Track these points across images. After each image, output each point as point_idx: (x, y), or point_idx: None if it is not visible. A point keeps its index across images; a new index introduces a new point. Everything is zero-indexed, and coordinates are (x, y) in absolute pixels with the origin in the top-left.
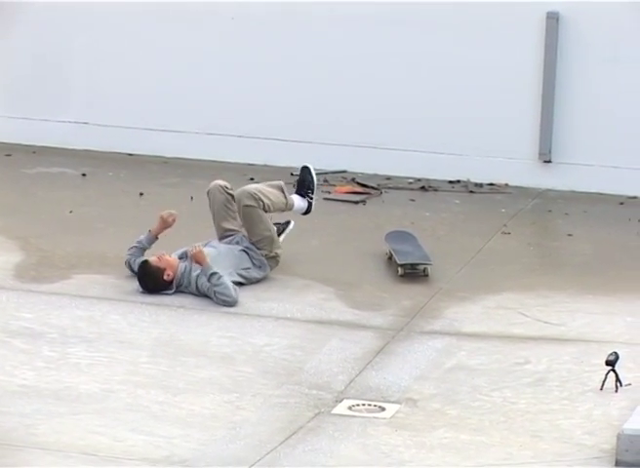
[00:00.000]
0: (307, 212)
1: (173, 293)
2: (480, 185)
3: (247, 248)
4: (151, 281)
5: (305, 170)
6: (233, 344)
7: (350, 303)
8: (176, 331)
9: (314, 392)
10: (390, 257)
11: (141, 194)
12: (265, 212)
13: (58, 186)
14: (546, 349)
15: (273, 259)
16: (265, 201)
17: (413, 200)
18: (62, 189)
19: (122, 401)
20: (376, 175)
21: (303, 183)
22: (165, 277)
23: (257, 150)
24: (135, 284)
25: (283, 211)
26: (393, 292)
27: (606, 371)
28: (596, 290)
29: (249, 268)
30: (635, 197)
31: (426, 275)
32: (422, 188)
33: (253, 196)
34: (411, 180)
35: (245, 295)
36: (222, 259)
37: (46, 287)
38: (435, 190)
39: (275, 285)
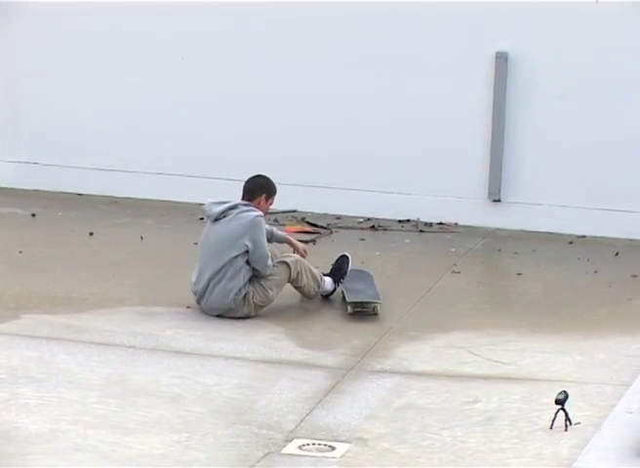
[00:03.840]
0: (330, 295)
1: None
2: (430, 224)
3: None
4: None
5: (344, 259)
6: (183, 384)
7: (300, 343)
8: (125, 371)
9: (264, 431)
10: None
11: (91, 234)
12: (290, 281)
13: (7, 226)
14: (496, 388)
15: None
16: (299, 276)
17: (363, 239)
18: (12, 229)
19: (71, 441)
20: (326, 215)
21: (339, 272)
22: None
23: (206, 190)
24: (86, 323)
25: (310, 296)
26: (343, 331)
27: (555, 410)
28: (546, 328)
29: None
30: (584, 236)
31: (376, 314)
32: (372, 227)
33: (295, 265)
34: (361, 220)
35: (195, 335)
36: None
37: None
38: (385, 229)
39: (225, 324)
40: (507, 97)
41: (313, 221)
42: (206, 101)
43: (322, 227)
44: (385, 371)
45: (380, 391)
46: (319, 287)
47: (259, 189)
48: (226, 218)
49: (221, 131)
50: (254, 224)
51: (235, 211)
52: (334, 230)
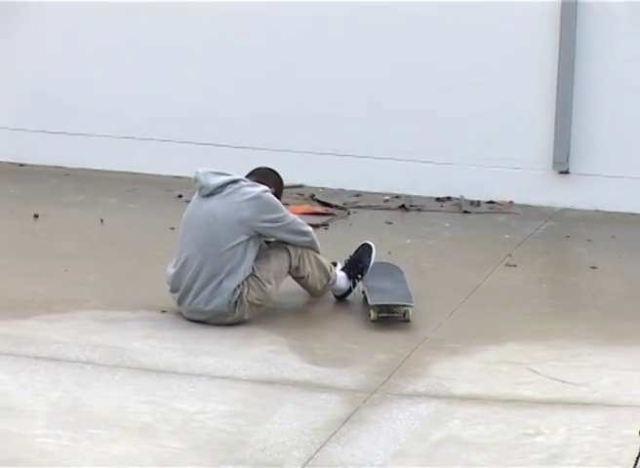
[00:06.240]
0: (345, 296)
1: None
2: (477, 204)
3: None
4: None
5: (366, 249)
6: (156, 411)
7: (309, 358)
8: (81, 395)
9: None
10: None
11: (36, 216)
12: (291, 270)
13: None
14: (563, 416)
15: (243, 301)
16: (300, 263)
17: (390, 223)
18: None
19: None
20: (341, 191)
21: (357, 265)
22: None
23: (187, 159)
24: (30, 332)
25: (317, 291)
26: (365, 342)
27: None
28: (628, 338)
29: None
30: None
31: (407, 320)
32: (402, 207)
33: (295, 248)
34: (387, 198)
35: (171, 348)
36: None
37: None
38: (419, 210)
39: (211, 333)
40: (577, 44)
41: (325, 200)
42: (191, 53)
43: (337, 207)
44: (419, 395)
45: (413, 420)
46: (328, 279)
47: (271, 179)
48: (222, 194)
49: (208, 86)
50: (261, 202)
51: (235, 185)
52: (352, 211)
